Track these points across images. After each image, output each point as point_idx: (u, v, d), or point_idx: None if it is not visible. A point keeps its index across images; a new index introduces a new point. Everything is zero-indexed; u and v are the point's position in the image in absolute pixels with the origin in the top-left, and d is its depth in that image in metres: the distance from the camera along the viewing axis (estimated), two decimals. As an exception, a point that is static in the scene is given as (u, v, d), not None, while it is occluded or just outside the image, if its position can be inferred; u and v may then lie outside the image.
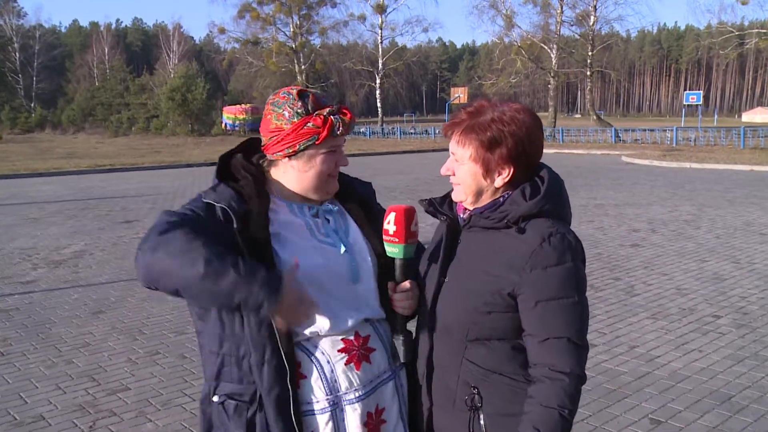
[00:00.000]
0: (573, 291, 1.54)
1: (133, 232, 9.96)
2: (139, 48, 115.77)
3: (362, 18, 58.50)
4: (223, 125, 51.13)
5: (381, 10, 58.42)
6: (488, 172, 1.60)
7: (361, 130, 46.56)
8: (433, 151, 31.29)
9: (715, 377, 4.30)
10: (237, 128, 49.72)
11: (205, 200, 1.62)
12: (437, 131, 44.61)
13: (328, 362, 1.65)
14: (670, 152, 25.47)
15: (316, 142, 1.65)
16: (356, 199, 1.85)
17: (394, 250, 1.67)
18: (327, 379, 1.64)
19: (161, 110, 49.40)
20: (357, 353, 1.68)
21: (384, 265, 1.75)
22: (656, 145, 30.69)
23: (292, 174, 1.71)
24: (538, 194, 1.58)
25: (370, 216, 1.83)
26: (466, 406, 1.62)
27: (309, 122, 1.64)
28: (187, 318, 5.70)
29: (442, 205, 1.75)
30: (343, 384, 1.65)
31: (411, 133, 45.51)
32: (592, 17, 47.36)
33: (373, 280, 1.75)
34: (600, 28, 49.46)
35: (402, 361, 1.73)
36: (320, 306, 1.61)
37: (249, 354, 1.60)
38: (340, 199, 1.83)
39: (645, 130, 37.10)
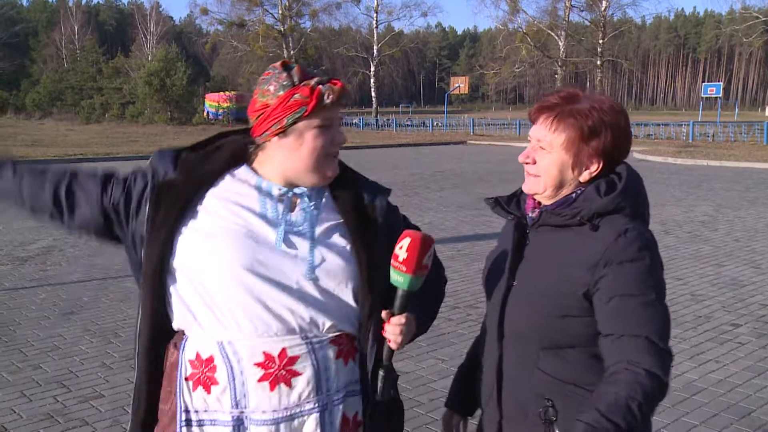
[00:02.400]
0: (650, 289, 1.52)
1: (106, 228, 9.93)
2: (113, 27, 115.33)
3: (356, 0, 58.47)
4: (205, 114, 50.97)
5: (376, -9, 58.39)
6: (577, 163, 1.60)
7: (354, 122, 46.57)
8: (431, 144, 31.34)
9: (733, 390, 4.33)
10: (220, 117, 49.57)
11: (150, 161, 1.76)
12: (435, 123, 44.68)
13: (242, 373, 1.61)
14: (686, 148, 25.58)
15: (305, 114, 1.62)
16: (360, 215, 1.74)
17: (399, 278, 1.58)
18: (236, 390, 1.61)
19: (138, 96, 49.23)
20: (275, 372, 1.61)
21: (374, 284, 1.67)
22: (671, 140, 30.81)
23: (282, 155, 1.67)
24: (613, 190, 1.58)
25: (371, 237, 1.72)
26: (540, 419, 1.60)
27: (296, 93, 1.62)
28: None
29: (509, 204, 1.75)
30: (251, 401, 1.61)
31: (407, 125, 45.51)
32: (603, 2, 47.44)
33: (349, 290, 1.67)
34: (612, 13, 49.57)
35: (379, 398, 1.66)
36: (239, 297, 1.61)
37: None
38: (342, 208, 1.74)
39: (659, 124, 37.27)
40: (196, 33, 74.03)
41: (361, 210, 1.75)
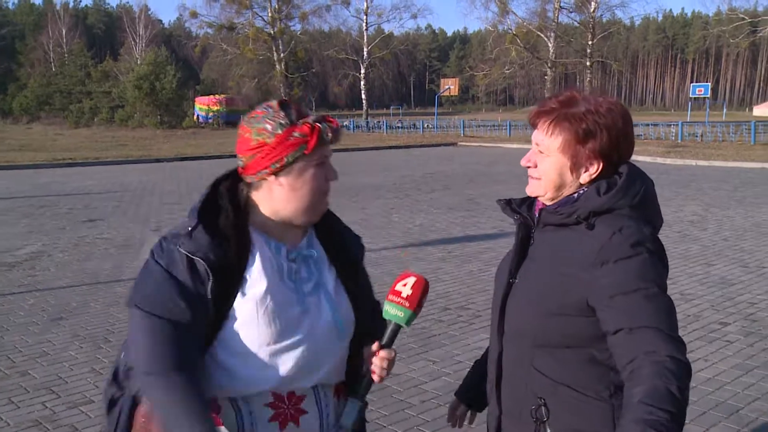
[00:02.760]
0: (651, 282, 1.50)
1: (96, 232, 9.92)
2: (102, 31, 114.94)
3: (346, 2, 58.39)
4: (195, 117, 50.92)
5: (366, -7, 58.40)
6: (576, 166, 1.62)
7: (345, 124, 46.53)
8: (421, 146, 31.37)
9: (721, 388, 4.36)
10: (210, 121, 49.54)
11: (181, 250, 1.60)
12: (426, 125, 44.75)
13: (251, 413, 1.64)
14: (675, 148, 25.70)
15: (305, 152, 1.62)
16: (344, 250, 1.82)
17: (399, 313, 1.66)
18: (244, 431, 1.64)
19: (127, 100, 49.09)
20: (284, 412, 1.66)
21: (358, 326, 1.77)
22: (660, 140, 30.94)
23: (281, 194, 1.66)
24: (612, 189, 1.59)
25: (352, 272, 1.82)
26: (532, 417, 1.63)
27: (295, 132, 1.61)
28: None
29: (520, 206, 1.77)
30: None
31: (398, 127, 45.56)
32: (592, 3, 47.61)
33: (348, 340, 1.76)
34: (601, 15, 49.74)
35: (349, 429, 1.70)
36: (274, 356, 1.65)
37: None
38: (327, 245, 1.80)
39: (648, 124, 37.43)
40: (185, 36, 73.77)
41: (349, 260, 1.82)
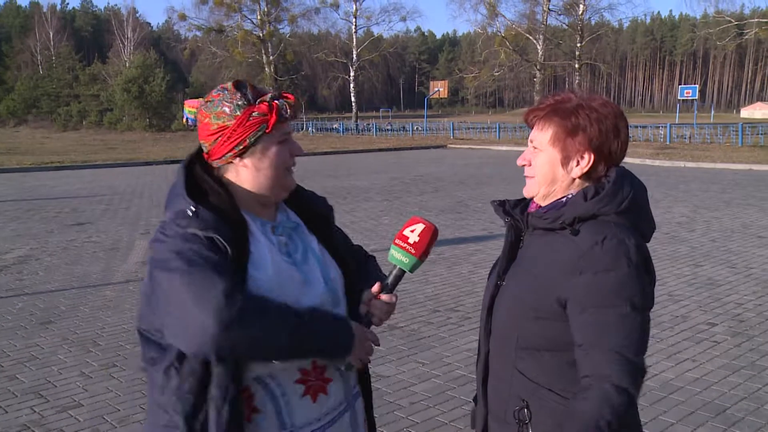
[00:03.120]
0: (624, 301, 1.49)
1: (85, 236, 9.87)
2: (89, 33, 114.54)
3: (335, 5, 58.52)
4: (184, 120, 50.55)
5: (355, -4, 58.47)
6: (566, 159, 1.62)
7: (334, 126, 46.58)
8: (411, 148, 31.41)
9: (709, 388, 4.40)
10: (199, 123, 49.35)
11: (190, 230, 1.55)
12: (416, 127, 44.81)
13: (284, 395, 1.64)
14: (663, 150, 25.86)
15: (267, 131, 1.63)
16: (316, 214, 1.86)
17: (404, 259, 1.67)
18: (282, 413, 1.64)
19: (116, 103, 48.99)
20: (314, 384, 1.69)
21: (348, 281, 1.80)
22: (649, 142, 31.12)
23: (247, 174, 1.67)
24: (599, 195, 1.58)
25: (328, 232, 1.85)
26: (514, 419, 1.64)
27: (254, 111, 1.62)
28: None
29: (514, 208, 1.77)
30: (298, 418, 1.66)
31: (387, 130, 45.65)
32: (580, 6, 47.88)
33: (344, 300, 1.78)
34: (589, 17, 50.07)
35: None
36: None
37: (213, 395, 1.57)
38: (299, 213, 1.83)
39: (637, 126, 37.57)
40: (174, 39, 73.58)
41: (322, 221, 1.86)
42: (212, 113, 1.64)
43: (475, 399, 1.96)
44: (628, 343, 1.49)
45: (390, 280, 1.71)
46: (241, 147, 1.63)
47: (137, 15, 75.35)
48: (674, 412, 4.06)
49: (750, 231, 9.83)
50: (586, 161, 1.62)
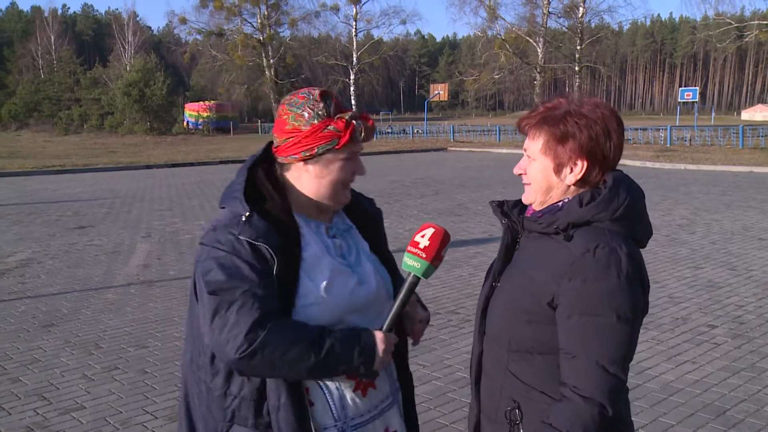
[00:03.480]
0: (611, 312, 1.50)
1: (87, 239, 9.90)
2: (90, 37, 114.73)
3: (335, 9, 58.71)
4: (185, 123, 50.85)
5: (355, 0, 58.56)
6: (559, 166, 1.62)
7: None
8: (411, 151, 31.44)
9: (709, 390, 4.41)
10: (200, 127, 49.49)
11: (242, 237, 1.62)
12: (416, 130, 44.83)
13: (337, 389, 1.71)
14: (664, 153, 25.87)
15: (336, 147, 1.69)
16: (366, 217, 1.92)
17: (415, 264, 1.68)
18: (336, 406, 1.71)
19: (117, 107, 49.05)
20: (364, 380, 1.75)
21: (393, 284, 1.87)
22: (649, 145, 31.15)
23: (307, 179, 1.74)
24: (594, 201, 1.58)
25: (377, 235, 1.92)
26: (506, 419, 1.66)
27: (330, 125, 1.68)
28: (148, 330, 5.70)
29: (512, 209, 1.78)
30: (350, 411, 1.73)
31: (387, 133, 45.64)
32: (580, 9, 47.95)
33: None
34: (589, 20, 50.12)
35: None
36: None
37: (268, 397, 1.65)
38: (350, 216, 1.90)
39: (637, 129, 37.61)
40: (174, 43, 73.56)
41: (372, 224, 1.93)
42: (292, 113, 1.70)
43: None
44: (610, 354, 1.51)
45: (405, 288, 1.70)
46: (308, 154, 1.69)
47: (138, 19, 75.53)
48: (674, 413, 4.07)
49: (750, 233, 9.85)
50: (580, 168, 1.61)
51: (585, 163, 1.61)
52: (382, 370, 1.81)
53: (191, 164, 24.53)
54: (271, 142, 1.80)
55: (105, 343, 5.45)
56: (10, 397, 4.41)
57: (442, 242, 1.69)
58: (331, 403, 1.70)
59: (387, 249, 1.95)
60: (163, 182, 18.50)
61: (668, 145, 30.54)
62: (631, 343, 1.54)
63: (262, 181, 1.73)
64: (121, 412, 4.17)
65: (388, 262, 1.90)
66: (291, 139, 1.71)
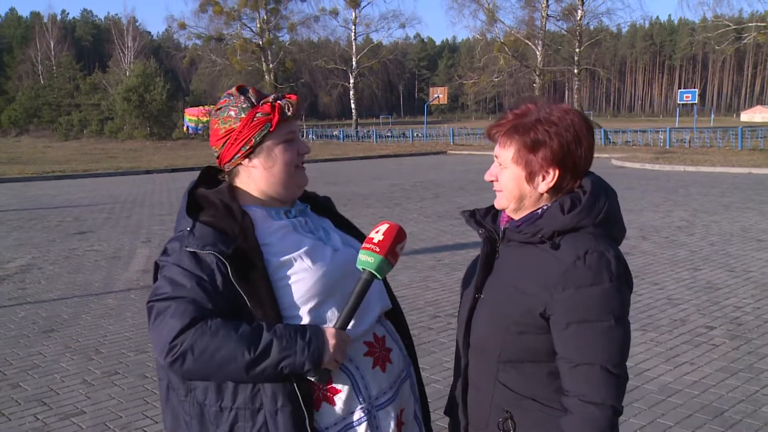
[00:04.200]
0: (608, 315, 1.52)
1: (87, 244, 9.92)
2: (90, 43, 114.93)
3: (334, 13, 58.76)
4: (185, 128, 50.85)
5: (354, 4, 58.70)
6: (531, 175, 1.61)
7: (335, 134, 46.68)
8: (411, 155, 31.47)
9: (707, 391, 4.42)
10: (200, 131, 49.45)
11: (188, 249, 1.63)
12: (416, 134, 44.87)
13: (358, 368, 1.71)
14: (663, 154, 25.89)
15: (270, 130, 1.71)
16: (317, 203, 1.96)
17: (369, 259, 1.63)
18: (359, 387, 1.71)
19: (116, 112, 49.11)
20: (380, 355, 1.76)
21: None
22: (648, 147, 31.18)
23: (258, 174, 1.75)
24: (576, 207, 1.58)
25: (334, 216, 1.95)
26: (499, 429, 1.65)
27: (258, 112, 1.70)
28: (147, 335, 5.70)
29: (485, 217, 1.77)
30: (374, 389, 1.72)
31: (387, 136, 45.69)
32: (579, 11, 47.99)
33: None
34: (588, 22, 50.18)
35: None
36: (337, 308, 1.70)
37: (263, 404, 1.63)
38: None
39: (637, 131, 37.67)
40: (174, 47, 73.72)
41: (328, 214, 1.96)
42: (220, 118, 1.74)
43: (447, 413, 1.94)
44: (611, 356, 1.53)
45: (359, 285, 1.64)
46: (248, 147, 1.72)
47: (137, 24, 75.64)
48: (672, 414, 4.09)
49: (749, 235, 9.86)
50: (552, 176, 1.61)
51: (557, 172, 1.60)
52: (392, 341, 1.81)
53: (191, 169, 24.53)
54: (209, 167, 1.84)
55: (105, 348, 5.46)
56: (10, 402, 4.42)
57: (397, 237, 1.66)
58: (355, 385, 1.69)
59: (350, 224, 1.97)
60: (164, 187, 18.52)
61: (667, 147, 30.56)
62: (627, 341, 1.57)
63: (204, 195, 1.74)
64: (121, 417, 4.18)
65: (354, 231, 1.92)
66: (227, 141, 1.73)
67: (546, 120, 1.60)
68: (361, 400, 1.70)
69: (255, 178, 1.76)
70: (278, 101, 1.72)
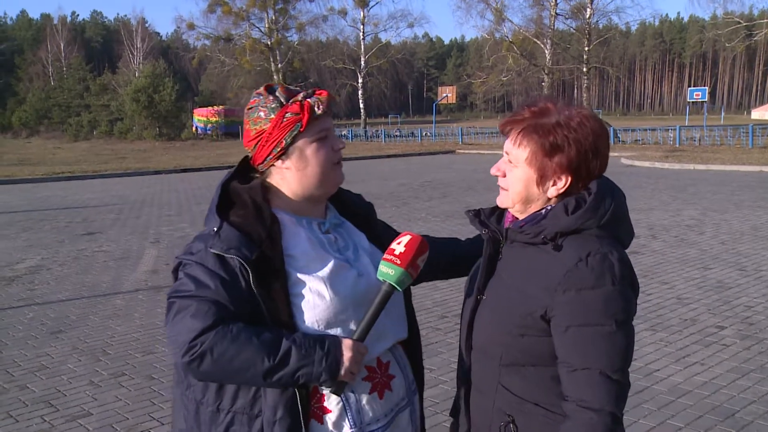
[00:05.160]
0: (609, 319, 1.48)
1: (96, 245, 9.94)
2: (99, 44, 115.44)
3: (343, 12, 58.66)
4: (194, 129, 51.04)
5: (363, 4, 58.62)
6: (543, 179, 1.57)
7: (343, 133, 46.67)
8: (420, 154, 31.44)
9: (717, 392, 4.38)
10: (209, 132, 49.65)
11: (212, 251, 1.60)
12: (424, 133, 44.84)
13: (353, 392, 1.67)
14: (673, 153, 25.77)
15: (301, 130, 1.66)
16: (356, 211, 1.90)
17: (389, 271, 1.61)
18: (352, 411, 1.67)
19: (126, 113, 49.30)
20: (380, 381, 1.72)
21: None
22: (658, 145, 31.03)
23: (291, 176, 1.70)
24: (580, 208, 1.54)
25: (374, 233, 1.88)
26: None
27: (287, 112, 1.65)
28: (155, 336, 5.71)
29: (489, 217, 1.74)
30: (367, 415, 1.68)
31: (396, 136, 45.70)
32: (588, 9, 47.74)
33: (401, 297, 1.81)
34: (597, 21, 49.86)
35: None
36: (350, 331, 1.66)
37: (262, 411, 1.61)
38: (342, 212, 1.87)
39: (646, 129, 37.49)
40: (182, 48, 73.80)
41: (366, 223, 1.90)
42: (251, 119, 1.70)
43: (452, 413, 1.93)
44: (612, 361, 1.50)
45: (378, 297, 1.62)
46: (279, 149, 1.68)
47: (146, 25, 75.90)
48: (682, 416, 4.04)
49: (760, 233, 9.78)
50: (563, 183, 1.58)
51: (569, 179, 1.57)
52: (397, 369, 1.77)
53: (200, 169, 24.60)
54: (247, 157, 1.78)
55: (112, 349, 5.46)
56: (17, 404, 4.43)
57: (419, 250, 1.63)
58: (347, 409, 1.66)
59: (390, 230, 1.94)
60: (172, 187, 18.56)
61: (677, 145, 30.42)
62: (629, 347, 1.53)
63: (237, 191, 1.70)
64: (128, 419, 4.18)
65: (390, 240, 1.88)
66: (259, 142, 1.69)
67: (566, 125, 1.56)
68: (351, 424, 1.67)
69: (288, 179, 1.72)
70: (308, 99, 1.67)
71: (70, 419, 4.19)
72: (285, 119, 1.65)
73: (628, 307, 1.52)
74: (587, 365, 1.49)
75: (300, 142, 1.68)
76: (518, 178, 1.61)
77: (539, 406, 1.59)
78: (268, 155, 1.69)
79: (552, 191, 1.59)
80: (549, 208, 1.60)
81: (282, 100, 1.67)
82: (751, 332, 5.51)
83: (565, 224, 1.54)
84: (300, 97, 1.67)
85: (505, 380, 1.62)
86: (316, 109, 1.67)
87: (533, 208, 1.62)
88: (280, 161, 1.70)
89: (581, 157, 1.56)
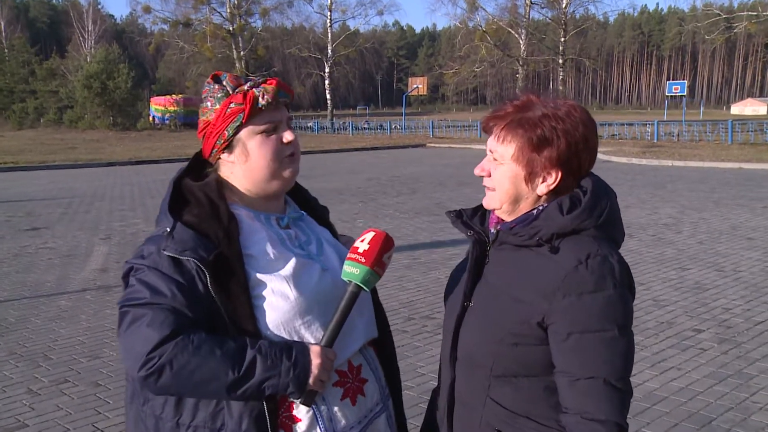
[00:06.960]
0: (612, 324, 1.46)
1: (40, 241, 9.73)
2: (46, 25, 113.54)
3: (309, -3, 58.43)
4: (150, 118, 50.40)
5: (330, -12, 58.41)
6: (531, 175, 1.54)
7: (309, 125, 46.54)
8: (389, 148, 31.44)
9: (694, 398, 4.40)
10: (167, 122, 49.09)
11: (166, 253, 1.55)
12: (394, 126, 44.86)
13: (324, 399, 1.64)
14: (650, 149, 26.10)
15: (243, 120, 1.62)
16: (314, 207, 1.90)
17: (354, 270, 1.58)
18: (323, 419, 1.64)
19: (76, 100, 48.45)
20: (351, 386, 1.69)
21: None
22: (636, 140, 31.41)
23: (238, 170, 1.68)
24: (576, 208, 1.52)
25: (330, 227, 1.88)
26: None
27: (231, 103, 1.63)
28: (102, 339, 5.59)
29: (472, 218, 1.70)
30: (339, 423, 1.65)
31: (364, 128, 45.69)
32: (564, -1, 48.15)
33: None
34: (574, 11, 50.33)
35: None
36: (321, 330, 1.63)
37: (225, 425, 1.57)
38: (303, 208, 1.87)
39: (624, 124, 38.00)
40: (138, 33, 73.00)
41: (312, 206, 1.90)
42: (200, 109, 1.68)
43: (423, 429, 1.88)
44: (615, 369, 1.47)
45: (345, 299, 1.60)
46: (223, 141, 1.64)
47: (98, 6, 74.78)
48: (658, 423, 4.06)
49: (739, 232, 9.92)
50: (553, 179, 1.55)
51: (559, 174, 1.54)
52: (369, 372, 1.75)
53: (156, 161, 24.32)
54: (197, 154, 1.76)
55: (55, 353, 5.33)
56: (-52, 413, 4.29)
57: (384, 246, 1.61)
58: (318, 417, 1.63)
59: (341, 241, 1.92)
60: (126, 180, 18.29)
61: (655, 141, 30.81)
62: (631, 353, 1.51)
63: (190, 189, 1.66)
64: (69, 430, 4.06)
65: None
66: (205, 134, 1.67)
67: (553, 115, 1.53)
68: (323, 431, 1.64)
69: (236, 173, 1.69)
70: (253, 89, 1.63)
71: (4, 431, 4.06)
72: (228, 110, 1.63)
73: (628, 311, 1.50)
74: (590, 374, 1.47)
75: (243, 134, 1.65)
76: (506, 176, 1.57)
77: (531, 419, 1.55)
78: (213, 147, 1.67)
79: (542, 188, 1.56)
80: (540, 208, 1.57)
81: (228, 89, 1.65)
82: (728, 336, 5.57)
83: (562, 225, 1.52)
84: (246, 86, 1.64)
85: (494, 393, 1.59)
86: (260, 99, 1.63)
87: (522, 209, 1.59)
88: (225, 154, 1.67)
89: (572, 150, 1.53)
